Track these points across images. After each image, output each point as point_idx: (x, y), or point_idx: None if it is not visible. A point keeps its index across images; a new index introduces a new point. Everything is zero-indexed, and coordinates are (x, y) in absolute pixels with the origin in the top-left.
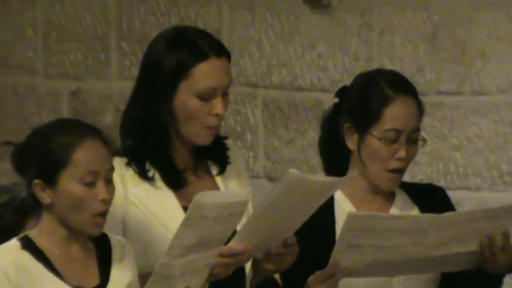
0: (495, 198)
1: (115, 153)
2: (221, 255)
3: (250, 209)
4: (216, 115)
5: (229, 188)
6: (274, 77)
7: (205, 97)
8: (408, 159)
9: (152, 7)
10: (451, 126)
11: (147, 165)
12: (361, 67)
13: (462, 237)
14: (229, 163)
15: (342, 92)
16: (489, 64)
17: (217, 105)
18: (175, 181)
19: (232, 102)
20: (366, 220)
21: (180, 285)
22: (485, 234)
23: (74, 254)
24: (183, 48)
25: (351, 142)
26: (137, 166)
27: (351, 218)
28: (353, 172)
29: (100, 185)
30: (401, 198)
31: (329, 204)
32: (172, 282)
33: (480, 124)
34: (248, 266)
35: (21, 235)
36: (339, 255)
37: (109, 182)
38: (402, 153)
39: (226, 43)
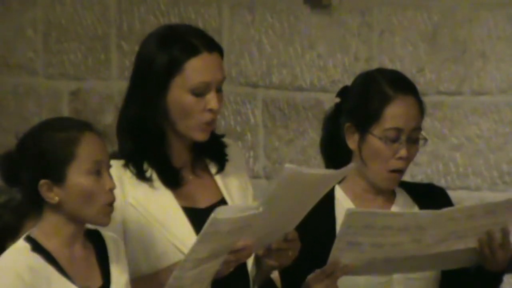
0: (495, 198)
1: (111, 156)
2: None
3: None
4: (211, 110)
5: (228, 186)
6: (274, 77)
7: (199, 92)
8: (409, 159)
9: (152, 7)
10: (451, 126)
11: (145, 166)
12: (361, 67)
13: (461, 234)
14: (227, 160)
15: (343, 92)
16: (489, 64)
17: (211, 100)
18: (173, 180)
19: (232, 102)
20: (365, 217)
21: None
22: (484, 230)
23: (77, 254)
24: (175, 45)
25: (351, 142)
26: (135, 167)
27: (350, 215)
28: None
29: (106, 175)
30: (402, 197)
31: (330, 203)
32: None
33: (480, 124)
34: (250, 263)
35: (25, 236)
36: (338, 253)
37: (109, 172)
38: (403, 152)
39: (226, 43)
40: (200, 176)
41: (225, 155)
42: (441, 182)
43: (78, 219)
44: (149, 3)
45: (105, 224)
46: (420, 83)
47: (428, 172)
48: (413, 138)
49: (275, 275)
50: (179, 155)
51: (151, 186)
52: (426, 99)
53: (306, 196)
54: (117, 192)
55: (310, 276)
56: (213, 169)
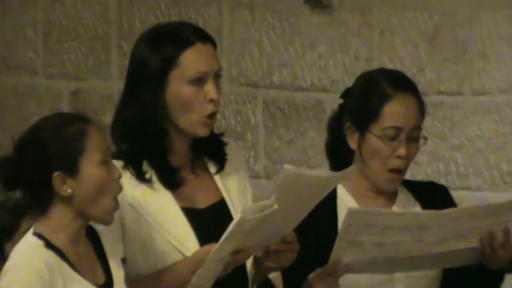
0: (495, 198)
1: (111, 157)
2: None
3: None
4: (211, 100)
5: (227, 185)
6: (274, 77)
7: (197, 82)
8: (408, 158)
9: (152, 7)
10: (451, 126)
11: (144, 167)
12: (361, 67)
13: (462, 233)
14: (226, 159)
15: (346, 94)
16: (489, 64)
17: (210, 90)
18: (172, 181)
19: (232, 102)
20: (366, 215)
21: None
22: (486, 230)
23: (82, 250)
24: (167, 41)
25: (352, 141)
26: (134, 168)
27: (351, 213)
28: (351, 167)
29: (112, 164)
30: (403, 196)
31: (332, 201)
32: None
33: (480, 124)
34: (249, 264)
35: (31, 232)
36: (340, 252)
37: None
38: (402, 151)
39: (226, 43)
40: (199, 175)
41: (225, 154)
42: (441, 182)
43: (85, 214)
44: (149, 3)
45: (110, 222)
46: (421, 83)
47: (428, 172)
48: (413, 137)
49: (276, 273)
50: (179, 155)
51: (150, 186)
52: (426, 99)
53: (306, 198)
54: None
55: (311, 275)
56: (212, 168)
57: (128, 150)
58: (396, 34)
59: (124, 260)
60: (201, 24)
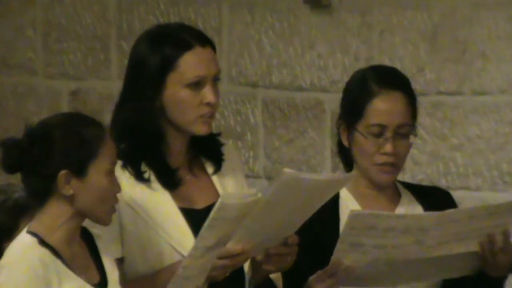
0: (495, 198)
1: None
2: (219, 257)
3: None
4: (208, 103)
5: (225, 186)
6: (274, 77)
7: (195, 86)
8: (397, 154)
9: (152, 7)
10: (451, 126)
11: (143, 167)
12: (361, 67)
13: (462, 236)
14: (223, 160)
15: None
16: (489, 64)
17: (208, 93)
18: (170, 181)
19: (232, 102)
20: (368, 218)
21: (193, 285)
22: (485, 233)
23: (76, 250)
24: (167, 43)
25: (345, 140)
26: (133, 168)
27: (353, 216)
28: (352, 172)
29: (115, 177)
30: (407, 198)
31: (334, 202)
32: (188, 284)
33: (480, 124)
34: (246, 266)
35: (26, 230)
36: (341, 254)
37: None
38: (387, 148)
39: (226, 43)
40: (197, 176)
41: (222, 154)
42: (441, 182)
43: (85, 215)
44: (149, 3)
45: (108, 223)
46: (420, 83)
47: (428, 172)
48: (401, 134)
49: (277, 274)
50: (177, 155)
51: (149, 186)
52: (426, 99)
53: (306, 201)
54: None
55: (312, 277)
56: (209, 168)
57: (127, 150)
58: (396, 34)
59: (122, 260)
60: (200, 24)
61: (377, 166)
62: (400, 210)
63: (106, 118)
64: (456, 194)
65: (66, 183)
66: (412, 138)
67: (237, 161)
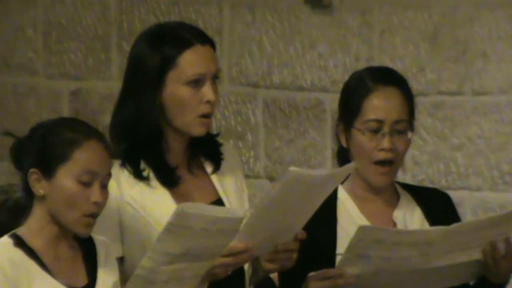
0: (495, 198)
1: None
2: (221, 255)
3: (246, 205)
4: (208, 102)
5: (224, 185)
6: (274, 77)
7: (195, 84)
8: (395, 151)
9: (152, 7)
10: (452, 126)
11: (142, 165)
12: (361, 67)
13: (465, 245)
14: (222, 159)
15: None
16: (490, 64)
17: (207, 92)
18: (169, 179)
19: (232, 102)
20: (377, 233)
21: None
22: (488, 241)
23: (62, 254)
24: (166, 41)
25: (343, 140)
26: (132, 167)
27: (362, 230)
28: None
29: (96, 187)
30: (406, 200)
31: (332, 203)
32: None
33: (481, 124)
34: (246, 264)
35: (10, 233)
36: (346, 263)
37: (104, 187)
38: (385, 143)
39: (226, 43)
40: (196, 175)
41: (221, 153)
42: (442, 182)
43: (57, 221)
44: (149, 3)
45: (83, 234)
46: (421, 83)
47: (429, 172)
48: (397, 130)
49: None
50: (176, 154)
51: (148, 185)
52: (426, 99)
53: (311, 197)
54: (114, 191)
55: (312, 273)
56: (208, 168)
57: (125, 148)
58: (396, 34)
59: (122, 259)
60: (201, 24)
61: (375, 165)
62: (398, 212)
63: (106, 118)
64: (456, 194)
65: (37, 182)
66: (410, 135)
67: (236, 161)
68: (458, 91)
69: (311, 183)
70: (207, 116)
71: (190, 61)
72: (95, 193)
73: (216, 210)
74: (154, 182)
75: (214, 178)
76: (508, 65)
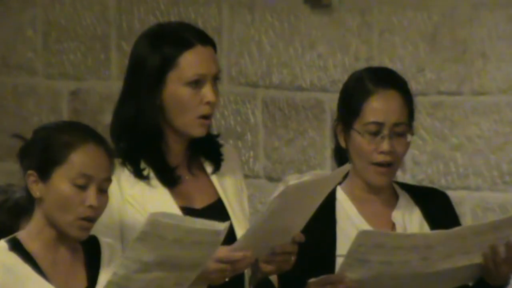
0: (495, 198)
1: (113, 153)
2: (219, 261)
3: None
4: (208, 103)
5: (224, 186)
6: (274, 77)
7: (195, 85)
8: (394, 153)
9: (152, 7)
10: (451, 126)
11: (142, 164)
12: (361, 67)
13: (466, 249)
14: (222, 160)
15: None
16: (489, 64)
17: (207, 92)
18: (169, 179)
19: (232, 102)
20: (377, 237)
21: None
22: (489, 245)
23: (61, 257)
24: (167, 41)
25: (342, 140)
26: (132, 166)
27: (362, 234)
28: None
29: (91, 191)
30: (404, 200)
31: (330, 204)
32: None
33: (480, 124)
34: None
35: (10, 236)
36: (346, 268)
37: (102, 191)
38: (384, 146)
39: (226, 43)
40: (196, 175)
41: (221, 154)
42: (441, 182)
43: (53, 224)
44: (149, 3)
45: (79, 237)
46: (421, 83)
47: (428, 172)
48: (397, 133)
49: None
50: (176, 155)
51: (149, 184)
52: (426, 99)
53: (308, 201)
54: (115, 190)
55: (312, 279)
56: (208, 168)
57: (126, 148)
58: (396, 34)
59: None
60: (200, 24)
61: (374, 166)
62: (397, 212)
63: (106, 118)
64: (456, 194)
65: (34, 184)
66: (409, 138)
67: (236, 163)
68: (458, 91)
69: (308, 189)
70: (207, 117)
71: (191, 62)
72: (90, 197)
73: (191, 222)
74: (155, 181)
75: (214, 178)
76: (508, 65)
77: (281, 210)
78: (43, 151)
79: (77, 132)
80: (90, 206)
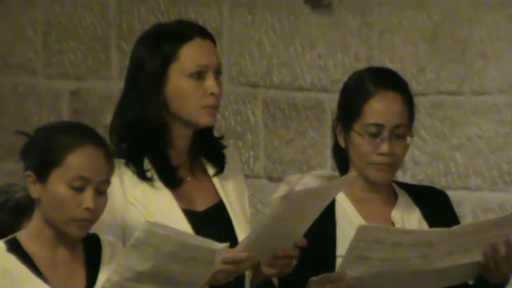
0: (495, 198)
1: (112, 155)
2: (224, 262)
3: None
4: (212, 94)
5: (226, 188)
6: (274, 77)
7: (197, 77)
8: (394, 155)
9: (152, 7)
10: (451, 126)
11: (145, 165)
12: (361, 67)
13: (466, 247)
14: (225, 162)
15: None
16: (489, 64)
17: (210, 84)
18: (171, 179)
19: (232, 102)
20: (377, 232)
21: None
22: (489, 243)
23: (61, 257)
24: (166, 38)
25: (341, 141)
26: (135, 167)
27: (361, 230)
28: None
29: (88, 193)
30: (404, 200)
31: (330, 205)
32: None
33: (480, 124)
34: None
35: (9, 237)
36: (347, 265)
37: (101, 193)
38: (384, 148)
39: (226, 43)
40: (198, 177)
41: (224, 156)
42: (441, 182)
43: (51, 224)
44: (149, 3)
45: (78, 236)
46: (421, 83)
47: (428, 172)
48: (397, 135)
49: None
50: (179, 152)
51: (151, 185)
52: (426, 99)
53: (312, 207)
54: (117, 191)
55: (313, 278)
56: (210, 170)
57: (129, 148)
58: (396, 34)
59: None
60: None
61: (372, 164)
62: (396, 212)
63: (106, 118)
64: (456, 194)
65: (32, 185)
66: (409, 140)
67: (237, 164)
68: (458, 91)
69: (312, 196)
70: (212, 107)
71: (191, 53)
72: (87, 199)
73: (188, 237)
74: (157, 183)
75: (215, 180)
76: (508, 65)
77: (285, 215)
78: (41, 152)
79: (76, 133)
80: (87, 209)
